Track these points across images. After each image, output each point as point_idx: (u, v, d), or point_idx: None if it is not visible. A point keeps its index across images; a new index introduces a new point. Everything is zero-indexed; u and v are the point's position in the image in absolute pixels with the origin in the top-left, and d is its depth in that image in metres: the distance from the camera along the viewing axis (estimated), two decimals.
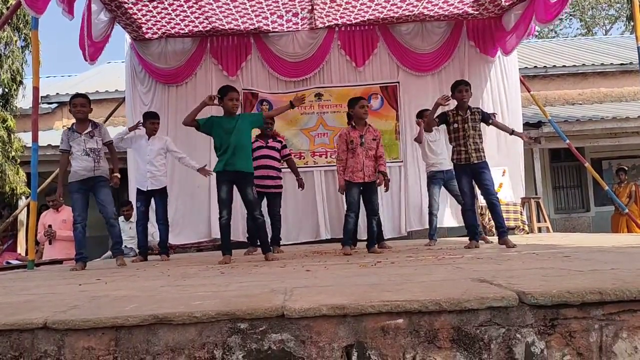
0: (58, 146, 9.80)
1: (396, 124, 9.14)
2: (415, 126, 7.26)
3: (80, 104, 5.47)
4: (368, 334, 1.85)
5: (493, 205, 5.52)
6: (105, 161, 5.58)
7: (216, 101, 5.25)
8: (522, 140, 9.16)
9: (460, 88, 5.62)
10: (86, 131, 5.46)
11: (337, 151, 5.76)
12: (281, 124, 8.96)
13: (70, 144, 5.47)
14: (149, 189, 6.41)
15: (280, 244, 6.95)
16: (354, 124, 5.73)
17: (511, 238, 5.50)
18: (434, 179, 6.64)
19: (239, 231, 8.07)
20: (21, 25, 9.27)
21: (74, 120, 5.64)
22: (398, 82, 9.23)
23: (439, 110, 5.82)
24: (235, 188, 5.30)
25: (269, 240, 5.75)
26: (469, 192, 5.70)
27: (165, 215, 6.58)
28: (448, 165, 6.24)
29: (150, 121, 6.46)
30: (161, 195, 6.52)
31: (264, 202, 6.59)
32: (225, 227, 5.22)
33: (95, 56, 7.58)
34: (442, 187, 6.69)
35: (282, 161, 6.86)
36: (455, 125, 5.62)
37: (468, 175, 5.64)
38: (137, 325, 1.86)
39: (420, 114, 6.73)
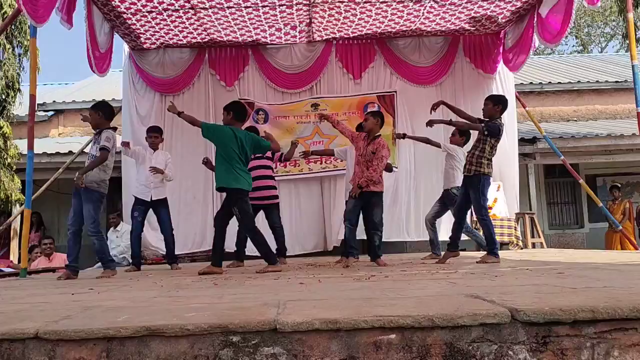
0: (53, 154, 9.82)
1: (393, 130, 9.01)
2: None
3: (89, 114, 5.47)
4: (360, 348, 1.84)
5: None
6: (95, 171, 5.16)
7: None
8: (517, 156, 9.23)
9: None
10: (94, 134, 5.51)
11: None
12: (277, 133, 8.91)
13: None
14: (153, 199, 6.49)
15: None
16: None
17: (505, 253, 5.53)
18: None
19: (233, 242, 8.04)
20: (16, 33, 9.27)
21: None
22: (395, 92, 9.19)
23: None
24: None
25: (275, 252, 5.72)
26: (458, 204, 5.78)
27: (171, 226, 6.63)
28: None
29: (149, 135, 6.66)
30: (165, 206, 6.61)
31: (262, 215, 6.49)
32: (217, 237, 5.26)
33: (104, 67, 7.67)
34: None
35: (275, 170, 6.86)
36: None
37: (463, 187, 5.68)
38: (129, 336, 1.84)
39: None
